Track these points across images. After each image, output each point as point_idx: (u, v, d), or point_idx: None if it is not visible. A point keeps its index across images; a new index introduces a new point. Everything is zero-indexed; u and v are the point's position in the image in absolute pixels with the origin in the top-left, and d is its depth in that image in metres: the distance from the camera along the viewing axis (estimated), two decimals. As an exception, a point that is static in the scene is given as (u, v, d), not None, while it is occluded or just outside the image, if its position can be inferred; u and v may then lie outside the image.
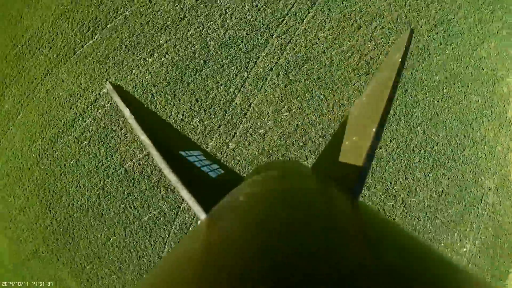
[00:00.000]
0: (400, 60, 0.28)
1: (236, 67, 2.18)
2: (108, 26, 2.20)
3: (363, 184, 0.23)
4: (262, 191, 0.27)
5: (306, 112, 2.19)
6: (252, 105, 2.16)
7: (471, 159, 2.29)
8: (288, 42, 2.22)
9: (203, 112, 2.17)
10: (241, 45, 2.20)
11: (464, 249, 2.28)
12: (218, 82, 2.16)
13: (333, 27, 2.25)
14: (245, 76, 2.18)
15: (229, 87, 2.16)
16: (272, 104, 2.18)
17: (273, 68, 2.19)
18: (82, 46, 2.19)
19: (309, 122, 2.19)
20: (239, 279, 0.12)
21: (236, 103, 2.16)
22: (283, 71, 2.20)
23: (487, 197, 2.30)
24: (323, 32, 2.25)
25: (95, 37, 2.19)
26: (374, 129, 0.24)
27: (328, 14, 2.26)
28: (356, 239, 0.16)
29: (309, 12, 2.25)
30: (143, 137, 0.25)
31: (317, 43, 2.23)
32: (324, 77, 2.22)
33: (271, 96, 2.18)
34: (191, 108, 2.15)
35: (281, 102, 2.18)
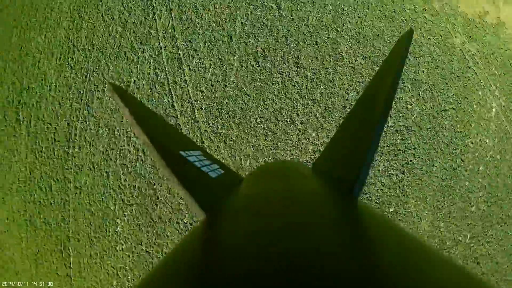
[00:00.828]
0: (400, 60, 0.27)
1: (178, 167, 2.10)
2: (71, 242, 2.21)
3: (363, 184, 0.23)
4: (262, 192, 0.27)
5: (260, 144, 2.06)
6: (217, 183, 2.07)
7: (427, 40, 2.04)
8: (192, 108, 2.10)
9: (187, 225, 2.12)
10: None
11: (494, 110, 2.03)
12: (174, 197, 2.10)
13: (210, 59, 2.10)
14: (190, 167, 2.09)
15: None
16: (230, 165, 2.07)
17: (203, 139, 2.08)
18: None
19: (270, 149, 2.06)
20: (238, 280, 0.12)
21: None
22: (211, 132, 2.08)
23: (468, 50, 2.03)
24: (208, 72, 2.10)
25: (70, 261, 2.21)
26: (373, 129, 0.24)
27: (196, 53, 2.11)
28: (356, 240, 0.16)
29: (183, 69, 2.11)
30: (143, 137, 0.24)
31: (212, 84, 2.09)
32: (245, 103, 2.07)
33: (223, 160, 2.07)
34: (180, 233, 2.10)
35: (234, 157, 2.07)
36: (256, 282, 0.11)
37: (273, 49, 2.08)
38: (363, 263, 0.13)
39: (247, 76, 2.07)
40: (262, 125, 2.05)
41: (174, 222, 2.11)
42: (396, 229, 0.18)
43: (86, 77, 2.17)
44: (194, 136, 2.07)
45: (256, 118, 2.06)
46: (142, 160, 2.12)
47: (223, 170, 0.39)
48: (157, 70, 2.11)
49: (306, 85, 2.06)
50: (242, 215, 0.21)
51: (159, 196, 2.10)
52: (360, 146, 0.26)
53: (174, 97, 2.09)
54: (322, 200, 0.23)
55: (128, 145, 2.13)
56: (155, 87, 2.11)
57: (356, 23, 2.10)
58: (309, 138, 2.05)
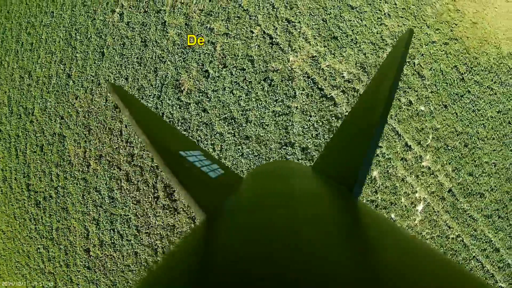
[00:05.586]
0: (400, 59, 0.27)
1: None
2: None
3: (363, 184, 0.23)
4: (262, 192, 0.27)
5: None
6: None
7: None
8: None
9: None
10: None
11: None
12: None
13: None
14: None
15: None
16: None
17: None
18: None
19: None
20: (237, 279, 0.12)
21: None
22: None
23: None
24: None
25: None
26: (372, 129, 0.24)
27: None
28: (355, 239, 0.16)
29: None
30: (143, 137, 0.24)
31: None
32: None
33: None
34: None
35: None
36: (254, 282, 0.11)
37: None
38: (363, 263, 0.13)
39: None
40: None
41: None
42: (394, 229, 0.18)
43: None
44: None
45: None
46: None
47: (223, 170, 0.37)
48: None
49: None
50: (242, 215, 0.21)
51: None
52: (359, 146, 0.25)
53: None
54: (322, 200, 0.23)
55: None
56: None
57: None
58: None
